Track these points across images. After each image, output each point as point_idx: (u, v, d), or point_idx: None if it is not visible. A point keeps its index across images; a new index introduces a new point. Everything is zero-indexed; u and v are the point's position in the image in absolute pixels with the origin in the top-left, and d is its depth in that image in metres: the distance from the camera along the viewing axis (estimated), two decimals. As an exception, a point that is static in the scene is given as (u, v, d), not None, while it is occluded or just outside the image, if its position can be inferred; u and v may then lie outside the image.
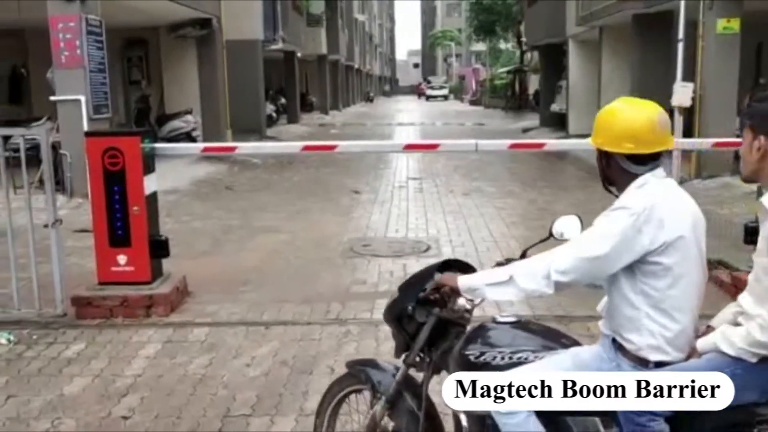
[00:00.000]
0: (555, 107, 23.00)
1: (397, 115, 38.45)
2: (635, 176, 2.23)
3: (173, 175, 12.07)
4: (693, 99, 11.25)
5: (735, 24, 10.59)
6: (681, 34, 11.34)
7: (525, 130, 24.51)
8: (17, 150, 5.18)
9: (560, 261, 2.18)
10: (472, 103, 52.66)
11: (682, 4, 11.19)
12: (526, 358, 2.31)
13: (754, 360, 2.05)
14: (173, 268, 5.71)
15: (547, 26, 22.31)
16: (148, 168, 5.26)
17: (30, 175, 5.35)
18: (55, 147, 9.27)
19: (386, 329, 4.83)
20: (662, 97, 12.42)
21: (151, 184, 5.31)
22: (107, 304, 5.16)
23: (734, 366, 2.06)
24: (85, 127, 9.30)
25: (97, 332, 4.91)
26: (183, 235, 7.88)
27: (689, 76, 11.38)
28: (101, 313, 5.14)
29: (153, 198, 5.39)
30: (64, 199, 9.38)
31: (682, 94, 11.31)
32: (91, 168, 5.14)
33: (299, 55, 28.93)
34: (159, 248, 5.35)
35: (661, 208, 2.15)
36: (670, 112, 12.03)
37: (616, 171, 2.28)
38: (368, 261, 6.88)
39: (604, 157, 2.29)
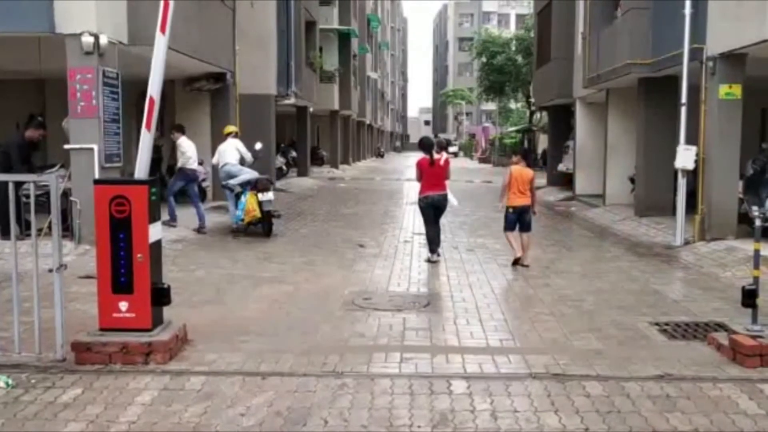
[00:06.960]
0: (562, 167, 23.17)
1: (406, 171, 38.69)
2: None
3: (181, 224, 12.20)
4: (696, 162, 11.36)
5: (737, 90, 10.72)
6: (684, 99, 11.54)
7: (532, 189, 24.64)
8: (30, 196, 5.32)
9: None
10: (482, 160, 53.20)
11: (685, 69, 11.41)
12: None
13: None
14: (175, 316, 5.76)
15: (555, 87, 22.68)
16: (154, 216, 5.37)
17: (41, 221, 5.46)
18: (66, 194, 9.47)
19: (383, 383, 4.87)
20: (668, 157, 12.58)
21: (155, 232, 5.41)
22: (106, 350, 5.19)
23: None
24: (97, 175, 9.49)
25: (95, 378, 4.93)
26: (187, 284, 7.97)
27: (693, 139, 11.51)
28: (100, 358, 5.17)
29: (157, 246, 5.48)
30: (71, 246, 9.50)
31: (685, 156, 11.46)
32: (97, 215, 5.24)
33: (311, 109, 29.46)
34: (160, 296, 5.41)
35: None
36: (675, 173, 12.17)
37: None
38: (368, 314, 6.90)
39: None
